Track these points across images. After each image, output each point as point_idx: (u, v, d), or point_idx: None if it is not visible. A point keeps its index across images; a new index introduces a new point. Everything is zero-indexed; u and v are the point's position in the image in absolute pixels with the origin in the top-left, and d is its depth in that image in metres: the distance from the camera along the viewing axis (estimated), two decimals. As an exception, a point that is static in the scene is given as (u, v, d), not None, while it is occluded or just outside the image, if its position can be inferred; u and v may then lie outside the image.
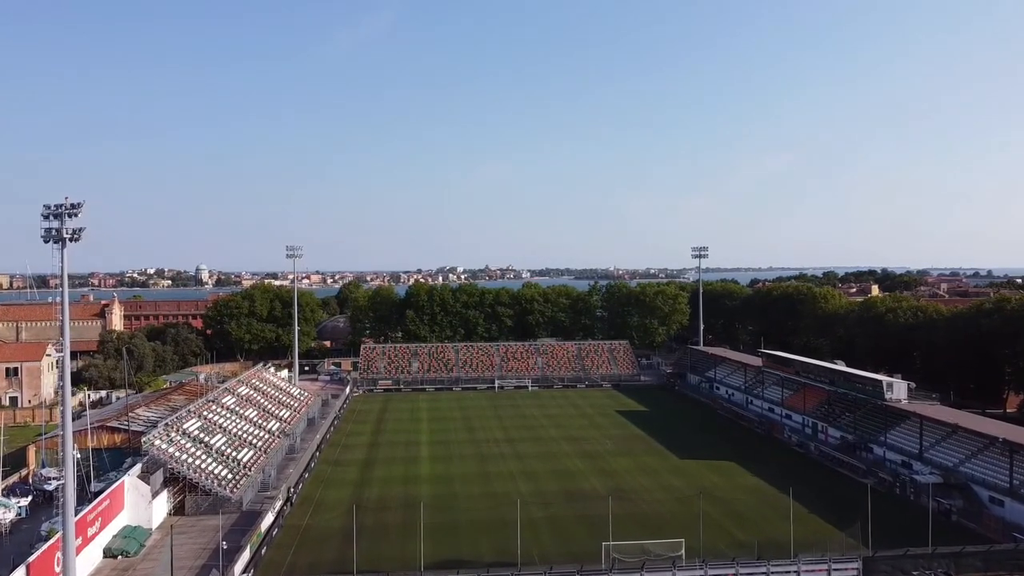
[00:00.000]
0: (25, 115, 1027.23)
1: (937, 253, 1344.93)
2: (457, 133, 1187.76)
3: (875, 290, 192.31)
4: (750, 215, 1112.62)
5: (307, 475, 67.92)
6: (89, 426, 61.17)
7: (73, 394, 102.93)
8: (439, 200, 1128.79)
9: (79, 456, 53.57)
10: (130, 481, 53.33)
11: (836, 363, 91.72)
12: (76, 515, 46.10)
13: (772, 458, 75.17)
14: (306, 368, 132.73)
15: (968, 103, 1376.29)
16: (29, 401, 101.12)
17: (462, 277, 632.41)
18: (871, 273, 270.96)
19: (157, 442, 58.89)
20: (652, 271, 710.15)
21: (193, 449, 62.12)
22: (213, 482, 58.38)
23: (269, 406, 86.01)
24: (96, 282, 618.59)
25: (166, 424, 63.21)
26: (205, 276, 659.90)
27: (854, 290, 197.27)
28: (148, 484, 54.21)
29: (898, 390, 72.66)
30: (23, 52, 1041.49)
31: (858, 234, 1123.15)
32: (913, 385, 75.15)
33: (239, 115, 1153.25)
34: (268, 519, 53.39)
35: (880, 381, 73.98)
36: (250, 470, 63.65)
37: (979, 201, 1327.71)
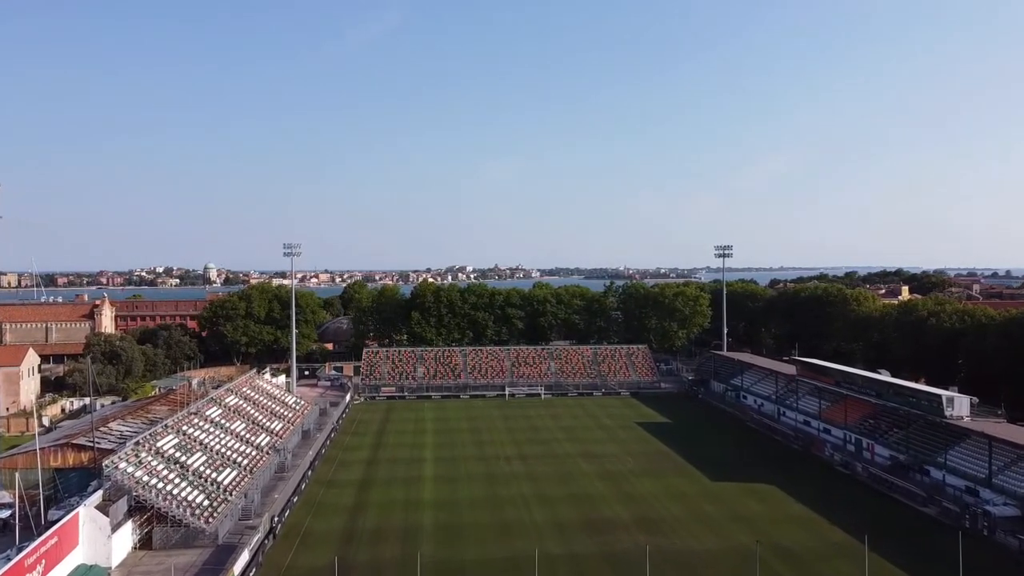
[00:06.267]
0: (29, 113, 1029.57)
1: (947, 253, 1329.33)
2: (466, 132, 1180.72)
3: (905, 291, 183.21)
4: (760, 214, 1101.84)
5: (296, 499, 60.65)
6: (38, 446, 53.89)
7: (53, 401, 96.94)
8: (448, 199, 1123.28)
9: (22, 483, 46.63)
10: (85, 512, 46.09)
11: (880, 372, 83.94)
12: (16, 556, 39.28)
13: (816, 480, 67.41)
14: (306, 372, 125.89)
15: (974, 104, 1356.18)
16: (7, 409, 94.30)
17: (471, 276, 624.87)
18: (896, 273, 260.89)
19: (122, 465, 51.79)
20: (662, 270, 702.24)
21: (165, 472, 54.93)
22: (186, 511, 51.18)
23: (260, 417, 78.93)
24: (105, 280, 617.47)
25: (136, 443, 56.07)
26: (213, 275, 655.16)
27: (883, 291, 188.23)
28: (107, 516, 47.03)
29: (960, 406, 64.79)
30: (25, 51, 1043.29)
31: (869, 234, 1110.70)
32: (976, 400, 67.20)
33: (248, 114, 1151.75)
34: (244, 557, 46.13)
35: (939, 396, 66.04)
36: (231, 495, 56.46)
37: (986, 201, 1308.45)
